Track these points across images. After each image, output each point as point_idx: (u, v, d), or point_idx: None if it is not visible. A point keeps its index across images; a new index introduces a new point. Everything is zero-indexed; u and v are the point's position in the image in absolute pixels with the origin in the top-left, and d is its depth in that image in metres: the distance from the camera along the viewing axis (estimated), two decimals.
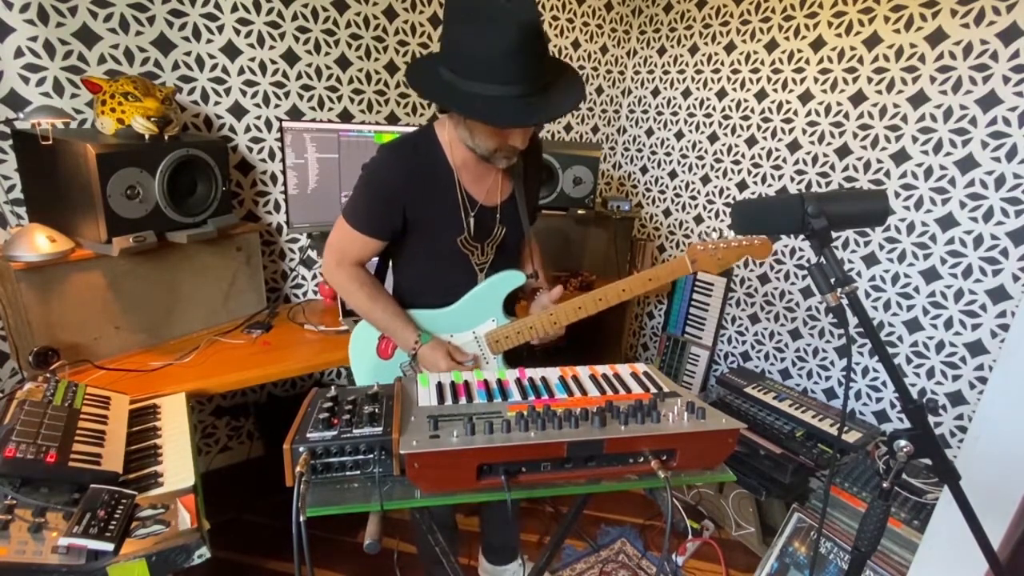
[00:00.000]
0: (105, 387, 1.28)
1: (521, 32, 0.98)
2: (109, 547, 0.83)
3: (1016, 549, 1.25)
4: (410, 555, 1.91)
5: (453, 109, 1.12)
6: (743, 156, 2.56)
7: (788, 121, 2.36)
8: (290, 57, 2.03)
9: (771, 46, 2.38)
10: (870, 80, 2.08)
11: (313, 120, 2.13)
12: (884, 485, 0.90)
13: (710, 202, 2.75)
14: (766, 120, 2.44)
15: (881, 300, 2.14)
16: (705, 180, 2.75)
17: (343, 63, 2.15)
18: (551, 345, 1.40)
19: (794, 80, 2.31)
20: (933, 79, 1.92)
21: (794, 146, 2.36)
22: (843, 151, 2.19)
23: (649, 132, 2.99)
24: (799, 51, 2.28)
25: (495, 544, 1.83)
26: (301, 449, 0.87)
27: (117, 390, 1.29)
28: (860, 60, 2.10)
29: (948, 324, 1.97)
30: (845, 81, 2.15)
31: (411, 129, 2.15)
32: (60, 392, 1.12)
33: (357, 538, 1.98)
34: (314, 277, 2.31)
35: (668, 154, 2.90)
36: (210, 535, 0.92)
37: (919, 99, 1.96)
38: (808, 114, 2.29)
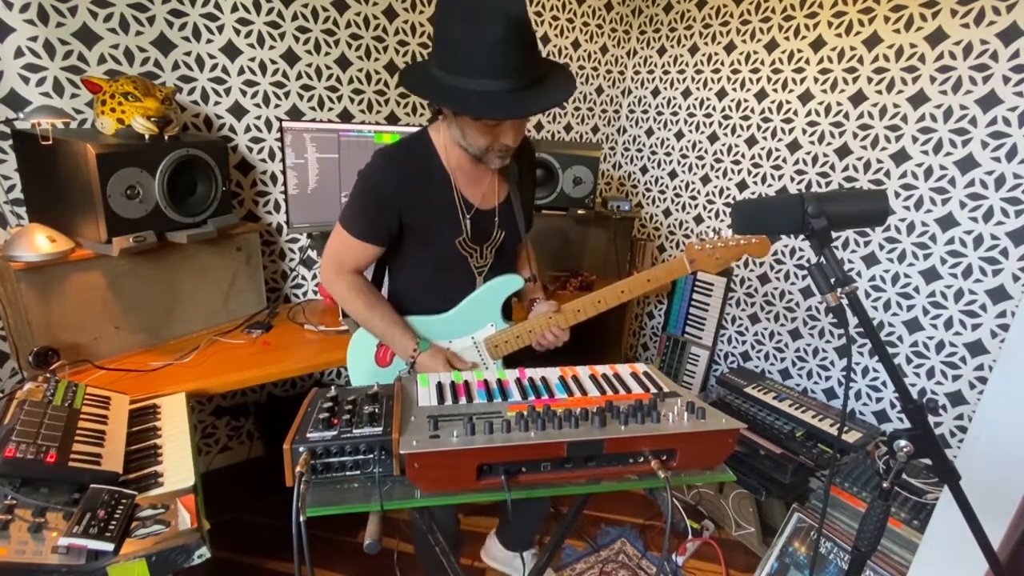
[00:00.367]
0: (105, 387, 1.28)
1: (508, 24, 0.98)
2: (109, 547, 0.83)
3: (1016, 549, 1.25)
4: (410, 555, 1.91)
5: (444, 105, 1.12)
6: (743, 156, 2.56)
7: (788, 121, 2.36)
8: (290, 57, 2.03)
9: (771, 46, 2.38)
10: (870, 80, 2.08)
11: (313, 120, 2.13)
12: (884, 485, 0.90)
13: (710, 202, 2.75)
14: (766, 120, 2.44)
15: (881, 300, 2.14)
16: (705, 180, 2.75)
17: (343, 63, 2.15)
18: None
19: (794, 80, 2.31)
20: (933, 79, 1.92)
21: (794, 146, 2.36)
22: (843, 151, 2.19)
23: (649, 132, 2.99)
24: (799, 51, 2.28)
25: (515, 530, 1.84)
26: (301, 449, 0.87)
27: (117, 390, 1.29)
28: (860, 60, 2.10)
29: (948, 324, 1.97)
30: (845, 81, 2.15)
31: (411, 129, 2.17)
32: (60, 392, 1.12)
33: (357, 538, 1.98)
34: (314, 277, 2.31)
35: (668, 154, 2.90)
36: (210, 535, 0.92)
37: (919, 99, 1.96)
38: (808, 114, 2.29)
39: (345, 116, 2.22)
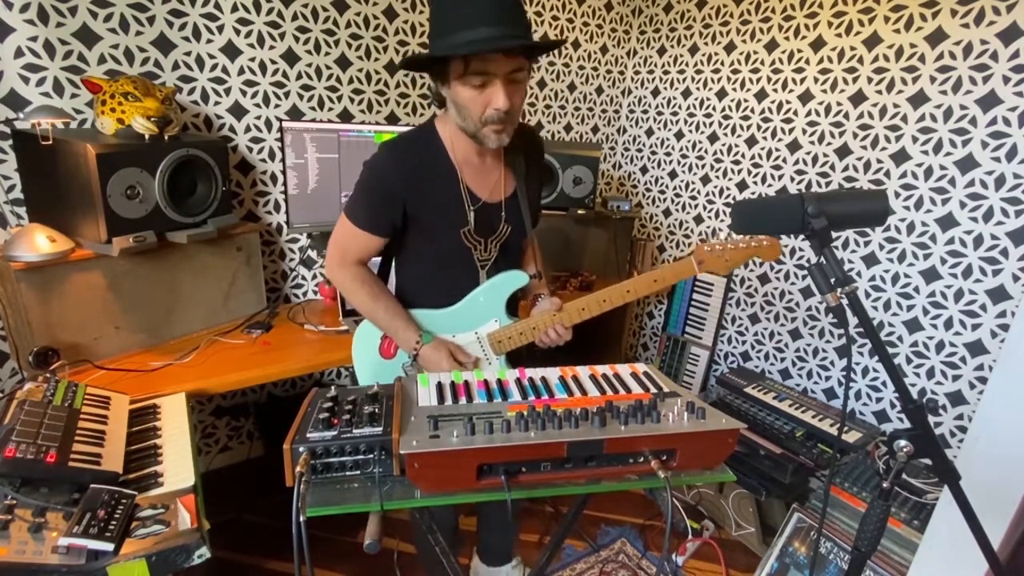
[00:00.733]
0: (105, 387, 1.28)
1: None
2: (109, 547, 0.83)
3: (1016, 549, 1.25)
4: (410, 555, 1.91)
5: (434, 52, 1.09)
6: (743, 156, 2.56)
7: (788, 121, 2.36)
8: (290, 57, 2.03)
9: (771, 46, 2.38)
10: (870, 80, 2.08)
11: (313, 120, 2.13)
12: (884, 485, 0.90)
13: (710, 202, 2.75)
14: (766, 120, 2.44)
15: (881, 300, 2.14)
16: (705, 180, 2.75)
17: (343, 63, 2.15)
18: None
19: (794, 80, 2.31)
20: (933, 79, 1.92)
21: (794, 146, 2.36)
22: (843, 151, 2.19)
23: (649, 132, 2.99)
24: (799, 51, 2.28)
25: (491, 545, 1.83)
26: (301, 449, 0.87)
27: (117, 390, 1.29)
28: (860, 60, 2.10)
29: (948, 324, 1.97)
30: (845, 81, 2.15)
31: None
32: (60, 392, 1.12)
33: (357, 538, 1.98)
34: (314, 277, 2.31)
35: (668, 154, 2.90)
36: (210, 535, 0.92)
37: (919, 99, 1.96)
38: (808, 114, 2.29)
39: (345, 116, 2.22)
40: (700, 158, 2.75)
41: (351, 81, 2.19)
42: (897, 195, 2.05)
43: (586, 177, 2.43)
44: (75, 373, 1.45)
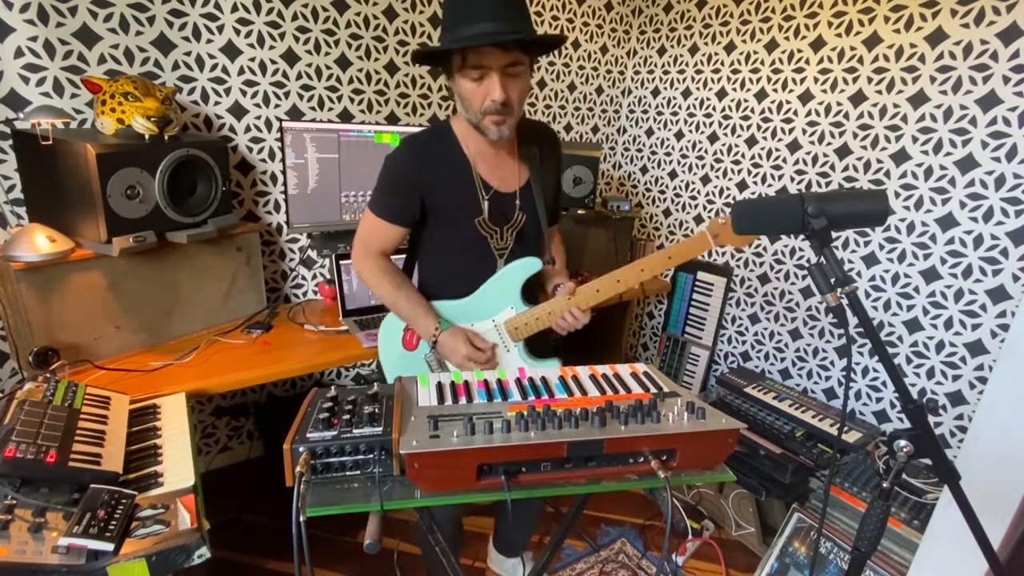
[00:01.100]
0: (105, 387, 1.28)
1: None
2: (109, 547, 0.83)
3: (1016, 549, 1.25)
4: (410, 555, 1.91)
5: (441, 45, 1.16)
6: (743, 156, 2.56)
7: (788, 121, 2.36)
8: (290, 57, 2.03)
9: (771, 46, 2.38)
10: (870, 80, 2.08)
11: (313, 120, 2.13)
12: (884, 485, 0.90)
13: (710, 202, 2.75)
14: (766, 120, 2.44)
15: (881, 300, 2.14)
16: (705, 180, 2.75)
17: (343, 63, 2.15)
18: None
19: (794, 80, 2.31)
20: (933, 79, 1.92)
21: (794, 146, 2.36)
22: (843, 151, 2.19)
23: (649, 132, 2.99)
24: (799, 51, 2.28)
25: (503, 535, 1.91)
26: (301, 449, 0.87)
27: (117, 390, 1.29)
28: (860, 60, 2.10)
29: (948, 324, 1.97)
30: (845, 81, 2.15)
31: (411, 129, 2.18)
32: (60, 392, 1.12)
33: (357, 538, 1.99)
34: (314, 277, 2.31)
35: (668, 154, 2.90)
36: (210, 535, 0.92)
37: (919, 99, 1.96)
38: (808, 114, 2.29)
39: (345, 116, 2.22)
40: (700, 158, 2.75)
41: (351, 81, 2.19)
42: (897, 195, 2.05)
43: (586, 177, 2.43)
44: (75, 373, 1.45)
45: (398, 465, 0.90)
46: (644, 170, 3.06)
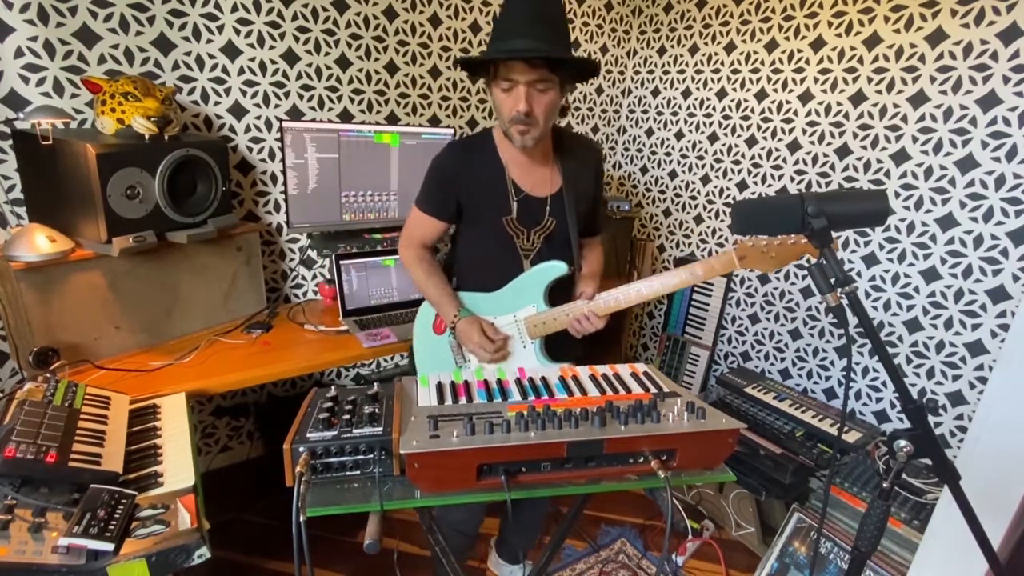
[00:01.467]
0: (105, 387, 1.28)
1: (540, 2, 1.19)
2: (109, 547, 0.83)
3: (1016, 549, 1.25)
4: (410, 555, 1.91)
5: (481, 55, 1.27)
6: (743, 156, 2.56)
7: (788, 121, 2.36)
8: (290, 57, 2.03)
9: (771, 46, 2.38)
10: (870, 80, 2.08)
11: (313, 120, 2.13)
12: (884, 485, 0.90)
13: (710, 202, 2.75)
14: (766, 120, 2.44)
15: (881, 300, 2.14)
16: (705, 180, 2.75)
17: (343, 63, 2.15)
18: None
19: (794, 80, 2.31)
20: (933, 79, 1.92)
21: (794, 146, 2.36)
22: (843, 151, 2.19)
23: (649, 132, 2.99)
24: (799, 51, 2.28)
25: (506, 540, 1.92)
26: (301, 449, 0.87)
27: (117, 390, 1.29)
28: (860, 60, 2.10)
29: (948, 324, 1.97)
30: (845, 81, 2.15)
31: (411, 129, 2.19)
32: (60, 392, 1.12)
33: (357, 538, 1.99)
34: (314, 277, 2.31)
35: (668, 154, 2.90)
36: (210, 535, 0.92)
37: (919, 99, 1.96)
38: (808, 114, 2.29)
39: (345, 116, 2.22)
40: (700, 158, 2.75)
41: (351, 81, 2.19)
42: (897, 195, 2.05)
43: None
44: (75, 373, 1.45)
45: (398, 465, 0.90)
46: (644, 170, 3.06)
